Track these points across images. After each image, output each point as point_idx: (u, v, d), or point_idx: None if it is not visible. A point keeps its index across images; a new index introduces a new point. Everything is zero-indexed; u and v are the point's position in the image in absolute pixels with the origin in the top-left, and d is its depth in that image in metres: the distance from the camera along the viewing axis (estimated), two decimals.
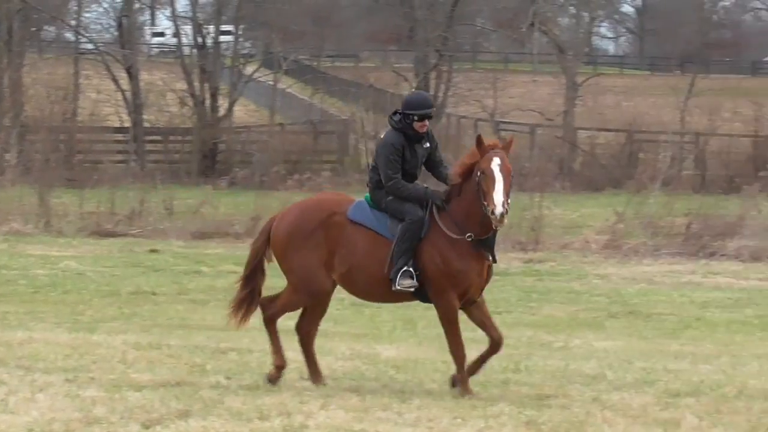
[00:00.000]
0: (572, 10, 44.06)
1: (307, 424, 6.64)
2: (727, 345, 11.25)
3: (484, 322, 7.79)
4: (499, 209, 7.30)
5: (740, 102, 34.43)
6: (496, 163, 7.45)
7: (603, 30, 56.08)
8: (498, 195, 7.33)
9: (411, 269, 7.45)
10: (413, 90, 27.29)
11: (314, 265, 7.67)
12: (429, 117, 7.78)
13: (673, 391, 8.08)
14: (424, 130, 7.73)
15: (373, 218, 7.66)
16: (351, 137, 34.43)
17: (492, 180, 7.38)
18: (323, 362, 8.14)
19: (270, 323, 7.90)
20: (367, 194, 7.85)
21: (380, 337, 11.10)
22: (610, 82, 40.02)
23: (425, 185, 7.82)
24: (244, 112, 38.42)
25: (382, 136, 8.01)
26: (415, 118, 7.62)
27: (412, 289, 7.53)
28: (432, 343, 9.64)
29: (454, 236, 7.50)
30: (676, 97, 35.08)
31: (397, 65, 37.55)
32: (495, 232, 7.60)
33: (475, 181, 7.51)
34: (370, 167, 8.18)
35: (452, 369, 7.79)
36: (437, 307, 7.69)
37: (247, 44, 40.57)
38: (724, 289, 16.30)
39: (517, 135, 25.20)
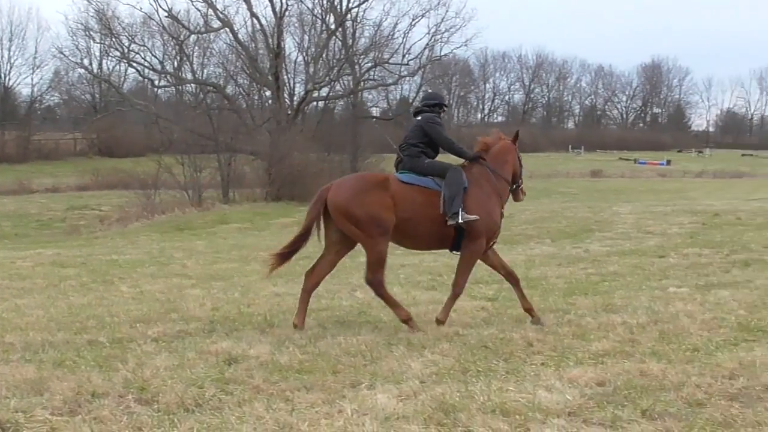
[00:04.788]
0: None
1: None
2: None
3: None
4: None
5: None
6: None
7: None
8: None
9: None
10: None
11: (380, 208, 8.82)
12: None
13: None
14: None
15: (418, 180, 9.11)
16: None
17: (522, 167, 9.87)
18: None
19: (378, 289, 8.94)
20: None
21: None
22: None
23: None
24: None
25: (420, 119, 9.53)
26: (445, 107, 9.68)
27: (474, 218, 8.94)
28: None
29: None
30: None
31: None
32: None
33: (508, 156, 9.61)
34: (406, 145, 9.43)
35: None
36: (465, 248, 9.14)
37: None
38: None
39: None
